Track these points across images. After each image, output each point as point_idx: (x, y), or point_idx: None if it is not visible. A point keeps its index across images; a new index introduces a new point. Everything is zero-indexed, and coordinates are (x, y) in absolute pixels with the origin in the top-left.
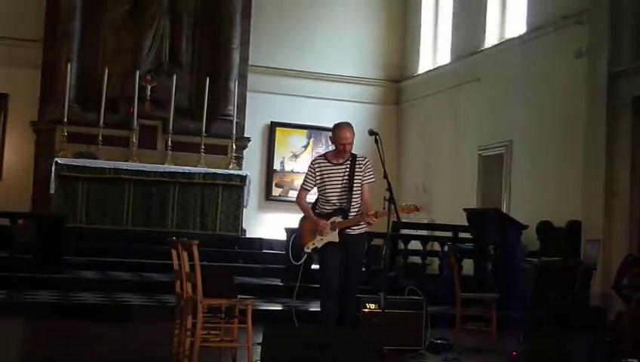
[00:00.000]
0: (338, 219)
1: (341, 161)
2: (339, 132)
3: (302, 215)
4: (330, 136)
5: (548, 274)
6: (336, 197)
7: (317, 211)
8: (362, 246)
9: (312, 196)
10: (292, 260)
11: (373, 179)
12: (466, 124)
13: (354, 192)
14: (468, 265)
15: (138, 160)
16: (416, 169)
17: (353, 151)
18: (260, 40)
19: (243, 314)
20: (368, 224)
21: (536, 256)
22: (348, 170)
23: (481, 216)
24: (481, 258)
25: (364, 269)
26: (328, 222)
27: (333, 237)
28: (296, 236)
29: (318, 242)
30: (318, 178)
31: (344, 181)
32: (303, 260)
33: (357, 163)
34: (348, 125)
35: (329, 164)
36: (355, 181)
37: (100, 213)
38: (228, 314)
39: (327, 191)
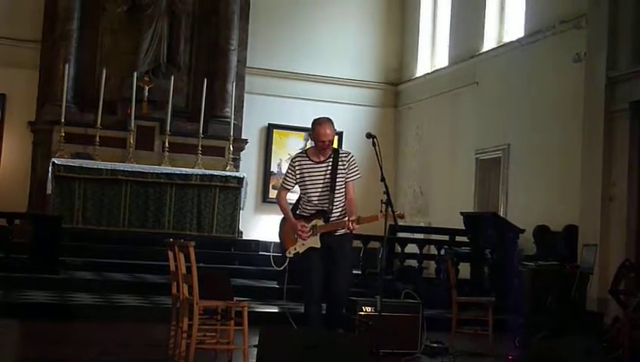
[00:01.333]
0: (319, 222)
1: (322, 159)
2: (318, 128)
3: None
4: (309, 133)
5: (544, 279)
6: (317, 198)
7: (298, 212)
8: (347, 246)
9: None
10: (274, 265)
11: (358, 176)
12: (463, 127)
13: (336, 192)
14: (464, 269)
15: (135, 161)
16: (413, 172)
17: (337, 148)
18: (257, 42)
19: (239, 316)
20: (348, 229)
21: (533, 260)
22: (330, 167)
23: (478, 220)
24: (477, 262)
25: (360, 272)
26: (309, 225)
27: (315, 242)
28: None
29: (300, 247)
30: (298, 176)
31: (326, 180)
32: (285, 265)
33: (340, 159)
34: (328, 120)
35: (310, 162)
36: (337, 179)
37: (97, 213)
38: (224, 316)
39: (309, 190)
